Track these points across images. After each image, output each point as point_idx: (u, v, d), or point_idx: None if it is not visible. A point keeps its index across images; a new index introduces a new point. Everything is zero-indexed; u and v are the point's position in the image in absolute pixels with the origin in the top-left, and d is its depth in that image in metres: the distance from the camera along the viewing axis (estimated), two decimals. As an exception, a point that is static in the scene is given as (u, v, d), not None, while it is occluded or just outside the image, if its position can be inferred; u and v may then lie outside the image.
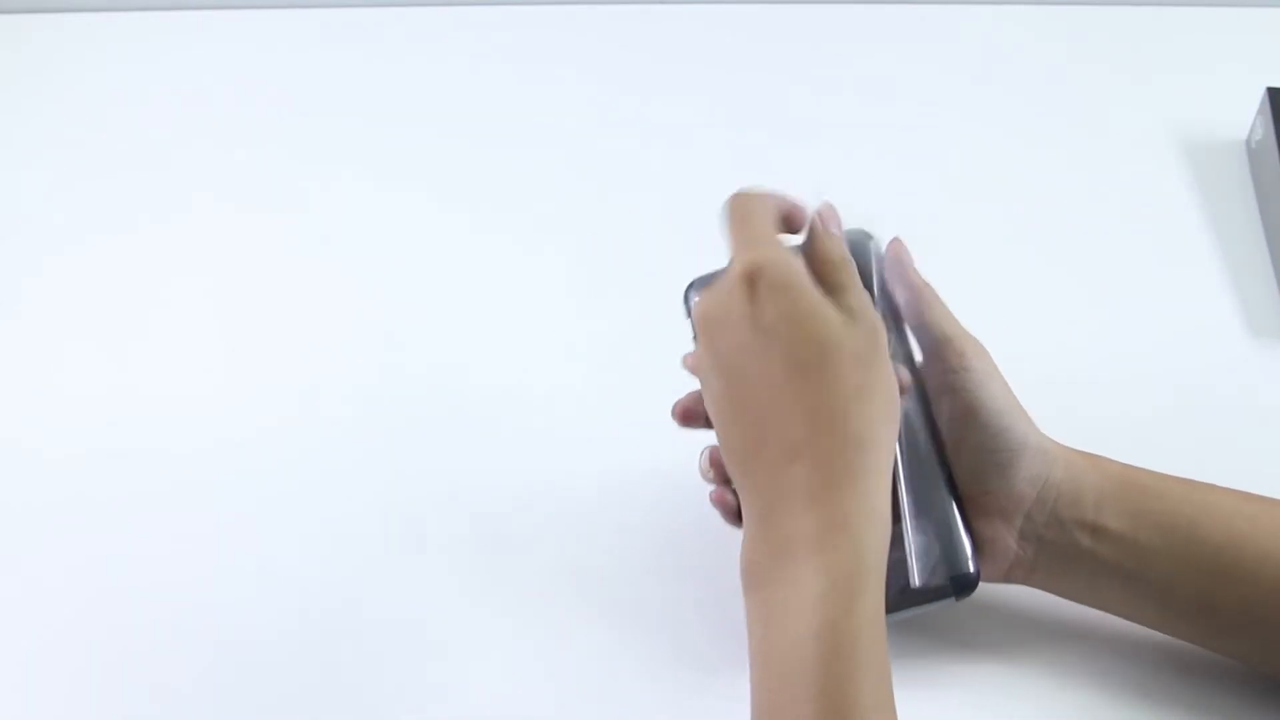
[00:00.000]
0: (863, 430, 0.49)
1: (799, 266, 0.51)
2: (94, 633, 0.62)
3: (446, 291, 0.76)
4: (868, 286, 0.57)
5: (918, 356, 0.58)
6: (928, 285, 0.57)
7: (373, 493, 0.67)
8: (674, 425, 0.57)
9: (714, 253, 0.57)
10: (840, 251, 0.53)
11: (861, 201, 0.56)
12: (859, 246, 0.58)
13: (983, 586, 0.56)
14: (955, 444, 0.56)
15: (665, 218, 0.79)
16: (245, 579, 0.63)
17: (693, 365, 0.55)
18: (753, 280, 0.50)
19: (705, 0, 0.93)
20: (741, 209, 0.53)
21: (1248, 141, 0.83)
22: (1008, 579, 0.57)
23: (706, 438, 0.55)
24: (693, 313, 0.54)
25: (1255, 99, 0.81)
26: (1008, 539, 0.56)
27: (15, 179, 0.83)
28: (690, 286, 0.58)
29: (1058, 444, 0.56)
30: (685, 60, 0.90)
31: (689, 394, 0.56)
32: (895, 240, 0.58)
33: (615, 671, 0.60)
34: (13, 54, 0.90)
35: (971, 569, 0.55)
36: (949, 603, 0.55)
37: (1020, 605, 0.60)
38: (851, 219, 0.58)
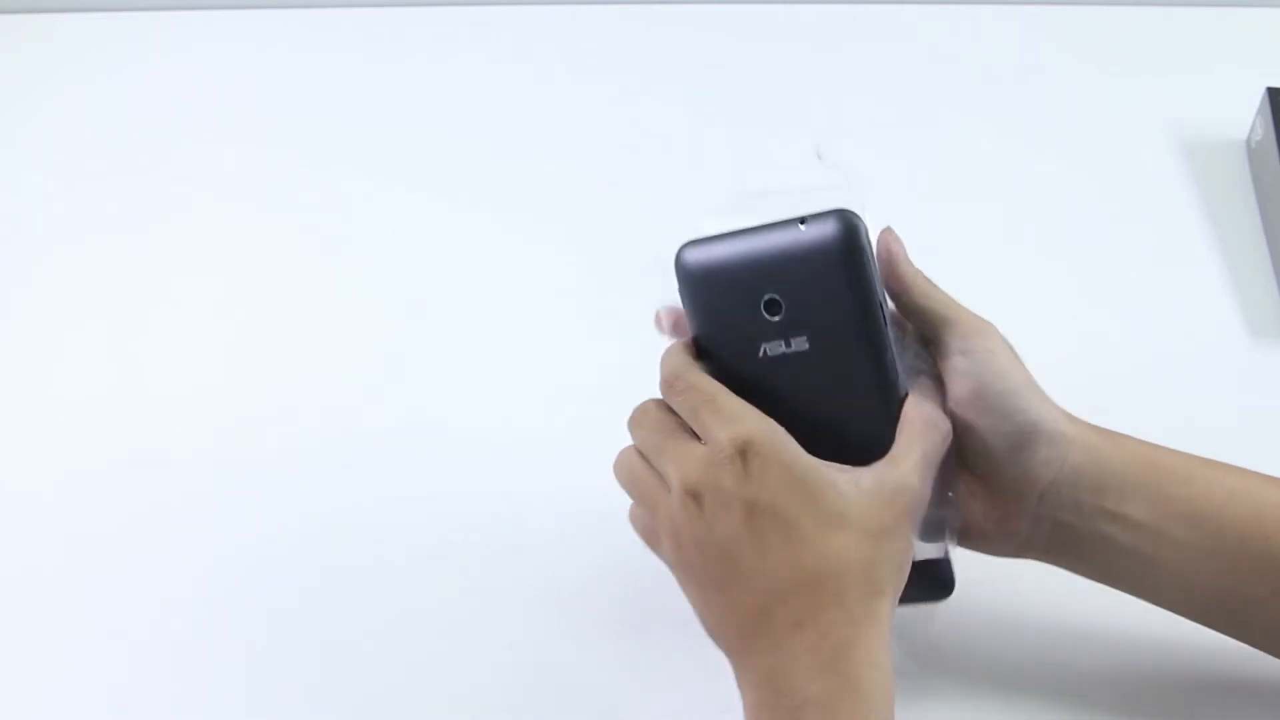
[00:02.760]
0: (873, 588, 0.49)
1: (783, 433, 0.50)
2: (93, 631, 0.62)
3: (444, 290, 0.76)
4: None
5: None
6: (919, 273, 0.54)
7: (374, 494, 0.67)
8: None
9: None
10: None
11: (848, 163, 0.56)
12: (850, 227, 0.52)
13: (993, 564, 0.55)
14: (963, 429, 0.53)
15: (665, 218, 0.79)
16: (234, 580, 0.64)
17: (666, 534, 0.51)
18: (744, 455, 0.49)
19: (705, 0, 0.93)
20: (682, 378, 0.52)
21: (1248, 141, 0.83)
22: (1020, 555, 0.55)
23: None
24: (676, 487, 0.50)
25: (1255, 99, 0.81)
26: (1018, 521, 0.54)
27: (15, 179, 0.83)
28: (684, 247, 0.56)
29: (1076, 423, 0.54)
30: (685, 60, 0.90)
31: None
32: (886, 230, 0.55)
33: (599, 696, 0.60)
34: (13, 54, 0.90)
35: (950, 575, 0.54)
36: (933, 603, 0.54)
37: (1022, 588, 0.60)
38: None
